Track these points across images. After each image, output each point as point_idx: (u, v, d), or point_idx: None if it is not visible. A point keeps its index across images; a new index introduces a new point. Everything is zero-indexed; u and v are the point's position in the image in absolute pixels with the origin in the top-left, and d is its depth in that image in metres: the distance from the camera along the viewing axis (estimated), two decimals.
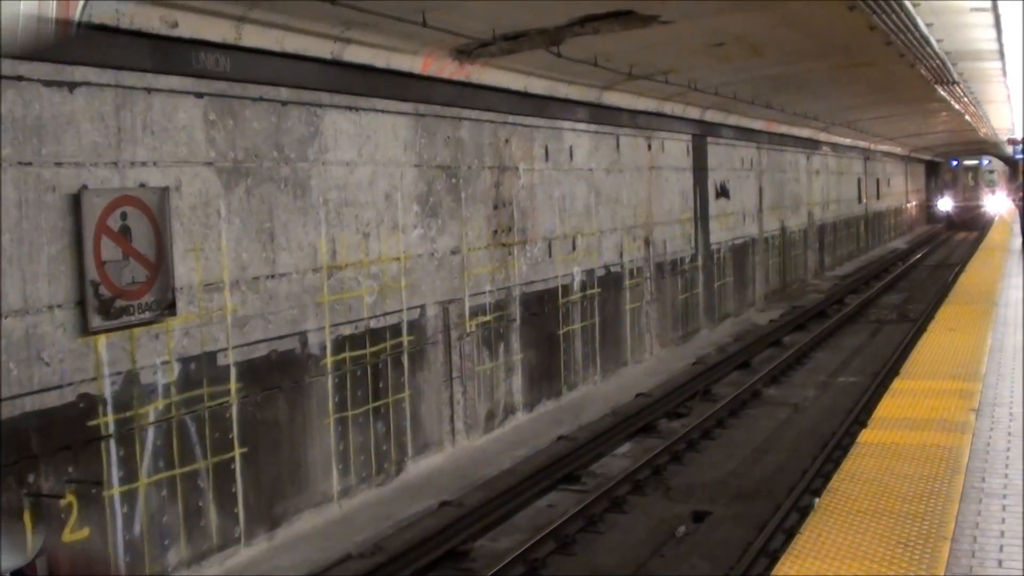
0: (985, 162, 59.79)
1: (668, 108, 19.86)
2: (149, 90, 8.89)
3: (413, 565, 9.61)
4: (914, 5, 12.92)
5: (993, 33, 15.88)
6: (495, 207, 14.27)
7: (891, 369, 16.83)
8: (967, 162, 60.39)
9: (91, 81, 8.35)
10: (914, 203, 59.92)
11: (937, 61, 17.56)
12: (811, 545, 5.54)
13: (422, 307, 12.61)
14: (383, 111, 11.94)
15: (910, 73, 18.88)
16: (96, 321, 8.29)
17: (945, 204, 61.33)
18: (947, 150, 57.38)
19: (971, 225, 56.58)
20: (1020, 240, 29.63)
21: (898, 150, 50.23)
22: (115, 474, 8.53)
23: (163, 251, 8.89)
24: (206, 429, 9.46)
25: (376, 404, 11.77)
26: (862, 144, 40.89)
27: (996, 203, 57.36)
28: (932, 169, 65.97)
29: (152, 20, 8.64)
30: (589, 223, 17.09)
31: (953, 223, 59.46)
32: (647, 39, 13.27)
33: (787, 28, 14.21)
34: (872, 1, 11.68)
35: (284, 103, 10.46)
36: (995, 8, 13.77)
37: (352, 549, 9.98)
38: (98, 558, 8.33)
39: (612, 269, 18.01)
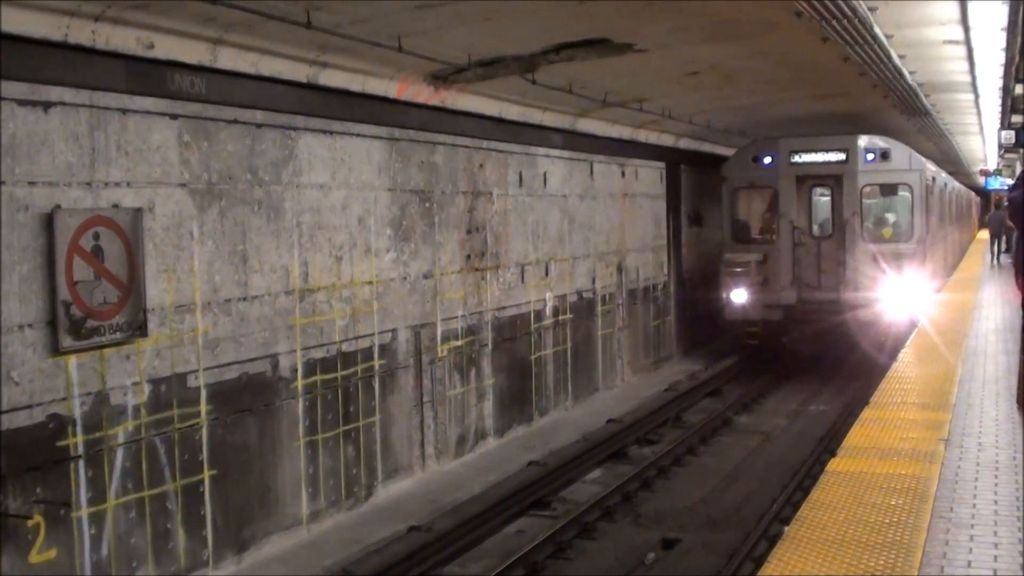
0: (869, 156, 20.53)
1: (642, 135, 19.96)
2: (124, 111, 8.87)
3: None
4: (887, 37, 13.06)
5: (966, 65, 16.09)
6: (468, 232, 14.28)
7: (861, 398, 16.89)
8: (809, 157, 20.99)
9: (66, 101, 8.33)
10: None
11: (909, 92, 17.75)
12: (778, 574, 5.56)
13: (394, 331, 12.59)
14: (358, 135, 11.95)
15: (883, 103, 19.07)
16: (67, 341, 8.24)
17: (739, 296, 21.48)
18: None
19: (827, 363, 21.67)
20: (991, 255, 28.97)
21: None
22: (83, 495, 8.46)
23: (135, 272, 8.86)
24: (175, 451, 9.40)
25: (346, 428, 11.73)
26: None
27: (911, 294, 19.85)
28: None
29: (128, 41, 8.64)
30: (562, 249, 17.12)
31: (765, 347, 21.78)
32: (622, 67, 13.36)
33: (761, 58, 14.34)
34: (846, 34, 11.79)
35: (259, 125, 10.45)
36: (968, 41, 13.96)
37: (320, 573, 9.93)
38: None
39: (584, 295, 18.04)
